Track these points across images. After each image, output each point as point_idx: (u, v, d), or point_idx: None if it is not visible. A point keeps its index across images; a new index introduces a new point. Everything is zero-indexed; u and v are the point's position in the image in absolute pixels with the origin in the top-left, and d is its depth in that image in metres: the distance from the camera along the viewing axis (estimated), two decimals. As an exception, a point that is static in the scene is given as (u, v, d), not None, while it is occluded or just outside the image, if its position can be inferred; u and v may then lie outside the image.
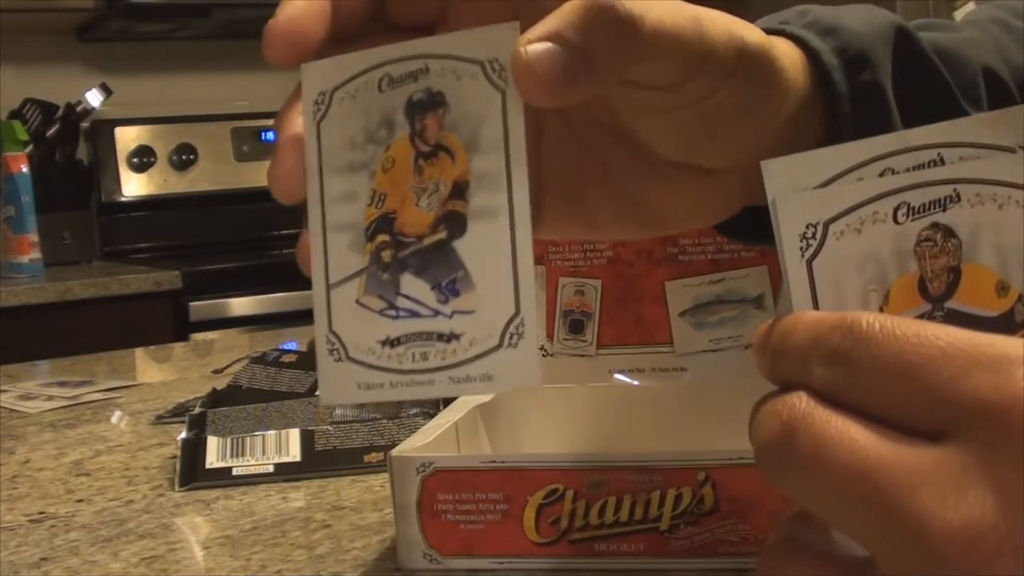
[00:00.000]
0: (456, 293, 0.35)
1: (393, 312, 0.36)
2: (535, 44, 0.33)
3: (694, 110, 0.39)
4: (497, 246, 0.34)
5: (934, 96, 0.47)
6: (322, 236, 0.38)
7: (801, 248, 0.32)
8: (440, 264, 0.35)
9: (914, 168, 0.32)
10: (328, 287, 0.37)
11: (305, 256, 0.38)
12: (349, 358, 0.37)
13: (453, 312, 0.35)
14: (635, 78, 0.37)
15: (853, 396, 0.28)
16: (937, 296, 0.32)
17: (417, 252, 0.36)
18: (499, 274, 0.34)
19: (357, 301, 0.37)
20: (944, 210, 0.32)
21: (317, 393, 0.37)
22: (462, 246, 0.35)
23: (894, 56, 0.46)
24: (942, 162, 0.32)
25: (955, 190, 0.32)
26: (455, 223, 0.35)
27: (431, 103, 0.36)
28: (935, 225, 0.32)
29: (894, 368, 0.27)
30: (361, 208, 0.37)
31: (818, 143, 0.44)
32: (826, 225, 0.32)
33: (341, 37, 0.38)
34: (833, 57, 0.44)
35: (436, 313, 0.35)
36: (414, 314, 0.36)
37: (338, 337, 0.37)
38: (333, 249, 0.37)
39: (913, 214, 0.32)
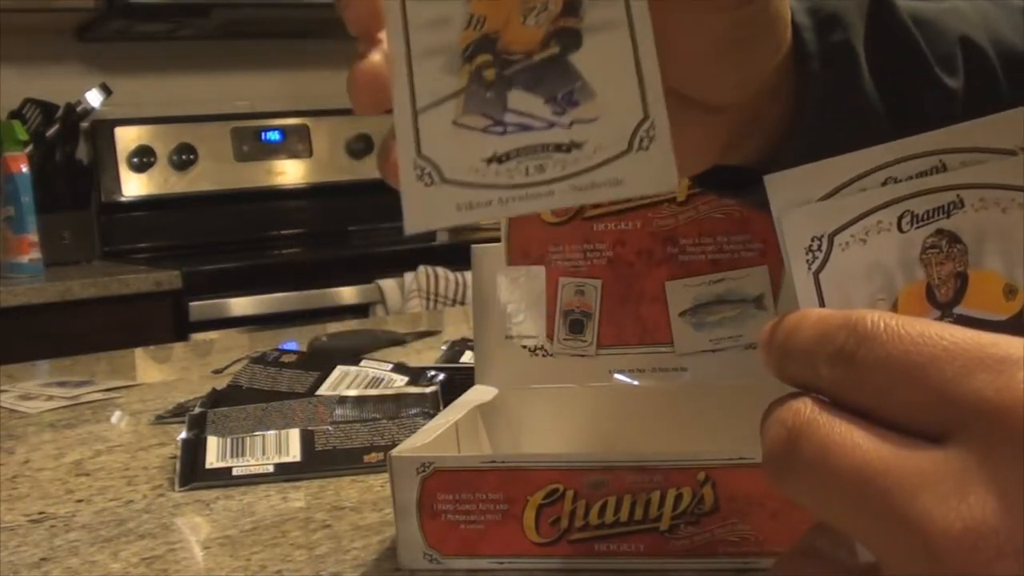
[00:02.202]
0: (575, 103, 0.34)
1: (500, 128, 0.34)
2: None
3: (727, 18, 0.39)
4: (618, 54, 0.33)
5: (908, 62, 0.48)
6: (406, 63, 0.36)
7: (808, 261, 0.32)
8: (554, 77, 0.34)
9: (916, 176, 0.32)
10: (415, 112, 0.35)
11: (365, 83, 0.37)
12: (445, 180, 0.35)
13: (572, 122, 0.33)
14: None
15: (858, 397, 0.28)
16: (946, 302, 0.32)
17: (526, 68, 0.35)
18: (623, 80, 0.33)
19: (454, 122, 0.35)
20: (948, 216, 0.32)
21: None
22: (578, 58, 0.34)
23: (868, 20, 0.46)
24: (944, 168, 0.32)
25: (958, 196, 0.32)
26: (569, 37, 0.34)
27: None
28: (940, 232, 0.32)
29: (898, 368, 0.27)
30: (455, 32, 0.35)
31: (790, 101, 0.45)
32: (831, 237, 0.32)
33: None
34: (805, 17, 0.44)
35: (552, 124, 0.34)
36: (525, 128, 0.34)
37: (430, 160, 0.35)
38: (421, 74, 0.35)
39: (917, 222, 0.32)
